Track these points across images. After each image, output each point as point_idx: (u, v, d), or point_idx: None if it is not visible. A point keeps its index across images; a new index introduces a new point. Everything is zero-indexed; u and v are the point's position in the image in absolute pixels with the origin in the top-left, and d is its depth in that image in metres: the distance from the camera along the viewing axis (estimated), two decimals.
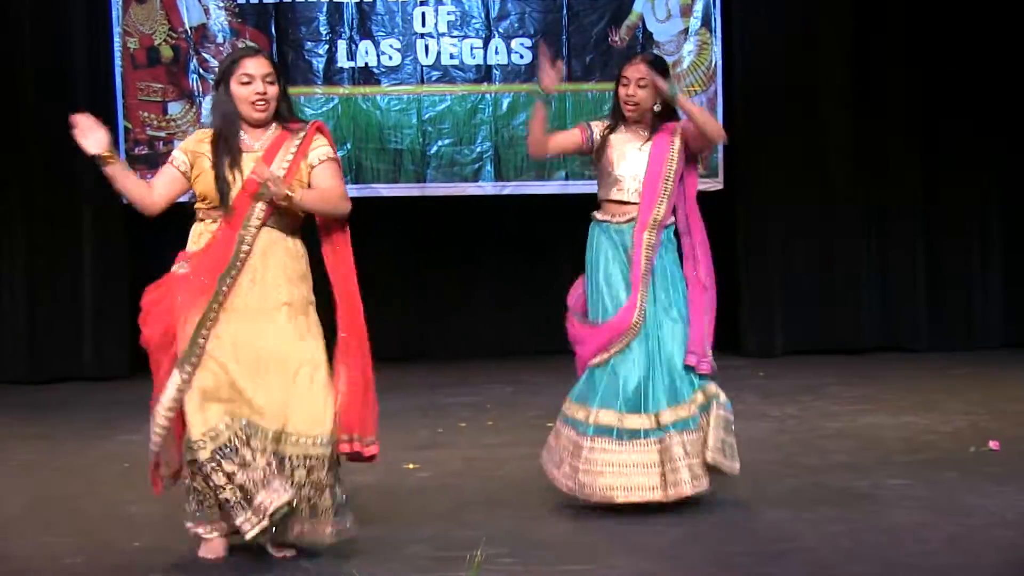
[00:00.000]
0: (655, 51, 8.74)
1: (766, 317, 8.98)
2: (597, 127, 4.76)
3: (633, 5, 8.88)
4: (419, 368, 8.67)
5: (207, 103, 8.13)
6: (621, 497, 4.44)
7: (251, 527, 3.85)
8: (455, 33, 8.85)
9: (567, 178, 8.78)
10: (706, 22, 8.92)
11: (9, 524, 4.63)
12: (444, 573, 3.85)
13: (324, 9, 8.75)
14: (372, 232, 8.47)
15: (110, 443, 6.24)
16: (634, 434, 4.46)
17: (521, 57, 8.85)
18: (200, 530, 4.03)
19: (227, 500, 3.86)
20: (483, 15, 8.85)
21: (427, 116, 8.83)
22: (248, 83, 3.96)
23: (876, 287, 9.17)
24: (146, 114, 8.64)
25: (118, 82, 8.60)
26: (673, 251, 4.69)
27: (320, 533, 3.98)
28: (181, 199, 4.14)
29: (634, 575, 3.85)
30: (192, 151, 4.02)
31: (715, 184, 8.78)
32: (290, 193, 3.89)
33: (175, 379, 3.90)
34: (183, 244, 4.10)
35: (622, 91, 4.68)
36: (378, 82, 8.81)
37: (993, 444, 5.56)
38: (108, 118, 8.51)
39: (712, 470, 4.54)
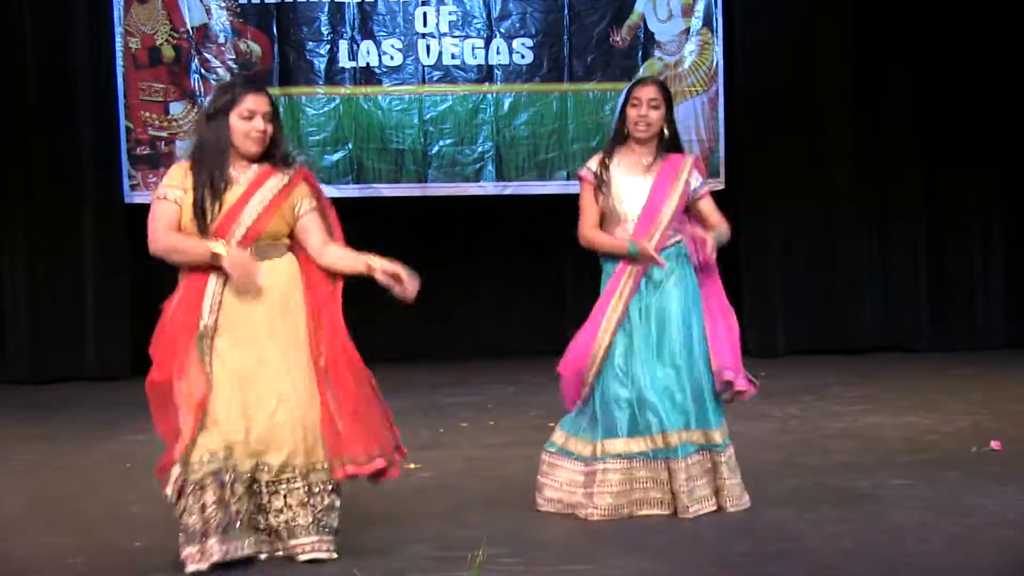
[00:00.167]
0: (657, 51, 8.76)
1: (767, 317, 8.99)
2: (595, 165, 4.64)
3: (634, 5, 8.89)
4: (420, 368, 8.68)
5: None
6: (633, 511, 4.45)
7: (192, 563, 3.83)
8: (456, 33, 8.85)
9: (568, 178, 8.78)
10: (707, 22, 8.92)
11: (10, 524, 4.63)
12: (445, 573, 3.85)
13: (326, 9, 8.76)
14: (373, 232, 8.45)
15: (111, 443, 6.24)
16: (642, 456, 4.45)
17: (522, 57, 8.85)
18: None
19: (187, 525, 3.84)
20: (484, 15, 8.86)
21: (428, 116, 8.84)
22: (249, 118, 3.95)
23: (877, 287, 9.18)
24: (148, 114, 8.64)
25: (119, 82, 8.61)
26: (681, 268, 4.58)
27: (296, 550, 3.97)
28: None
29: (635, 575, 3.85)
30: (181, 186, 3.97)
31: (716, 184, 8.76)
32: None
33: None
34: None
35: (632, 112, 4.57)
36: (380, 82, 8.82)
37: (995, 444, 5.56)
38: (110, 118, 8.56)
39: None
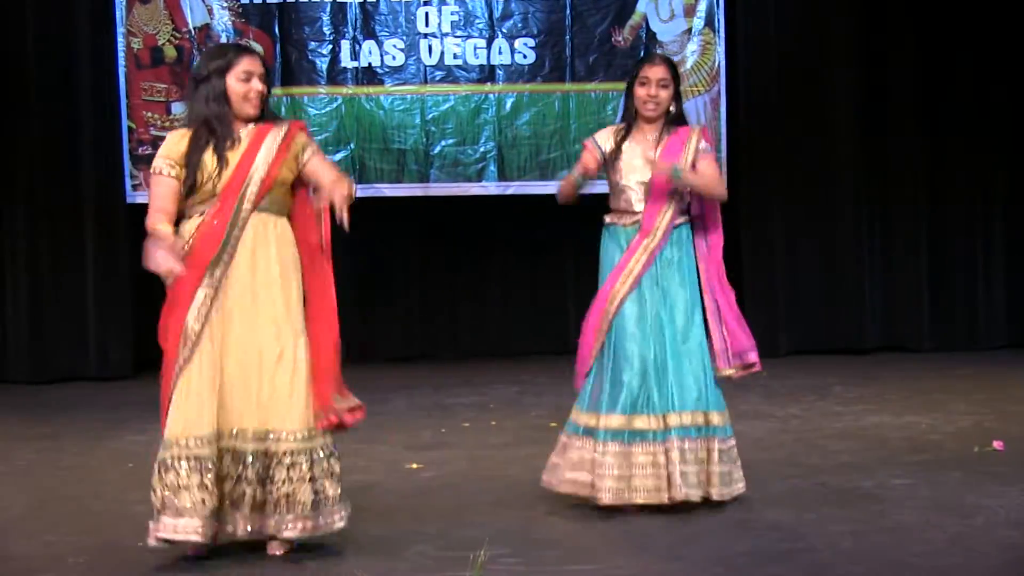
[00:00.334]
0: (659, 51, 8.75)
1: (769, 317, 8.98)
2: (605, 138, 4.68)
3: (636, 5, 8.89)
4: (423, 368, 8.68)
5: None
6: (632, 498, 4.46)
7: (151, 537, 3.90)
8: (458, 33, 8.86)
9: None
10: (709, 22, 8.92)
11: (13, 524, 4.63)
12: (448, 572, 3.85)
13: (328, 9, 8.76)
14: (375, 232, 8.50)
15: (115, 443, 6.24)
16: (642, 436, 4.46)
17: (524, 57, 8.86)
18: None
19: (157, 501, 3.89)
20: (486, 15, 8.86)
21: (430, 116, 8.84)
22: (247, 80, 4.06)
23: (879, 287, 9.18)
24: (150, 114, 8.65)
25: (122, 82, 8.62)
26: (686, 251, 4.63)
27: (295, 529, 3.97)
28: None
29: (637, 575, 3.86)
30: (174, 156, 4.04)
31: None
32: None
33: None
34: None
35: (641, 91, 4.59)
36: (382, 82, 8.83)
37: (997, 444, 5.56)
38: (112, 118, 8.57)
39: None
